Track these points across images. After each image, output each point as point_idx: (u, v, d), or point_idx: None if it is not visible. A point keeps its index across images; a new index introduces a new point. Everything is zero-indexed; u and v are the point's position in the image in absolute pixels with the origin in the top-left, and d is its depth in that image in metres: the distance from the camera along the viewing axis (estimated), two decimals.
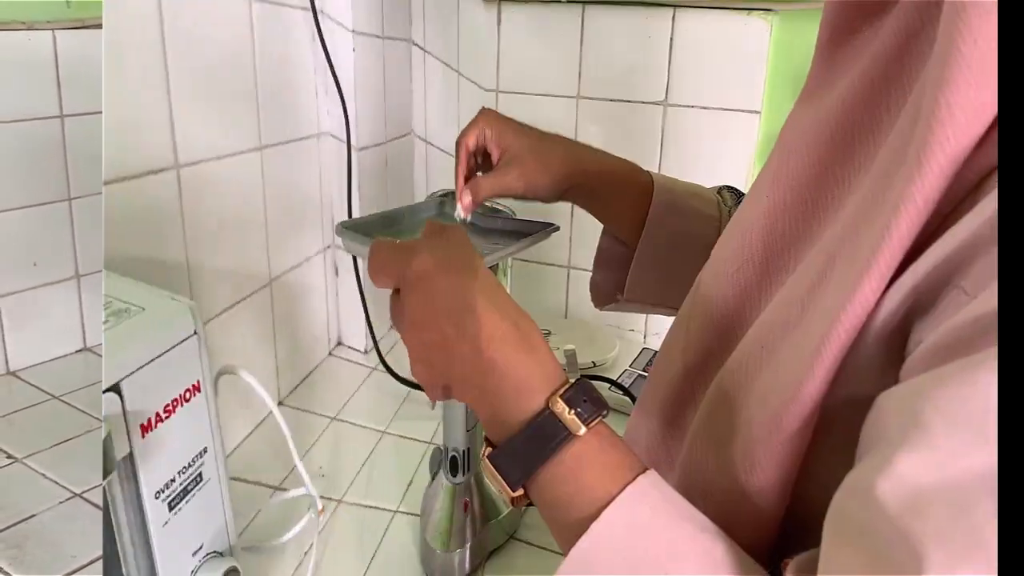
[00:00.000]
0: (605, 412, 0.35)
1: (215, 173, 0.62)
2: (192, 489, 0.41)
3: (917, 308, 0.30)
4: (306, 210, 0.80)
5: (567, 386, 0.36)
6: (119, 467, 0.35)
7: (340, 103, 0.78)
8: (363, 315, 0.87)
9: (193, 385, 0.40)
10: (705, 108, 1.01)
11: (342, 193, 0.81)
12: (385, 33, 0.88)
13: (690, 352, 0.43)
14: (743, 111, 1.01)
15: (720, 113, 1.01)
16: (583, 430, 0.34)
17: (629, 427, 0.49)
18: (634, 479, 0.34)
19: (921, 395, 0.26)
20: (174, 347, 0.38)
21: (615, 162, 0.66)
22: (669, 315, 0.67)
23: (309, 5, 0.73)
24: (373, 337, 0.88)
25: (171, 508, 0.39)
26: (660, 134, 1.03)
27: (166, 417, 0.38)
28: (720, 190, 0.68)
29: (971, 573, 0.23)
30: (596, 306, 0.71)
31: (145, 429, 0.37)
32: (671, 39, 0.98)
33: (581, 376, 0.36)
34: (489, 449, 0.37)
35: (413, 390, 0.86)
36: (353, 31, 0.79)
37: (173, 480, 0.39)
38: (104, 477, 0.33)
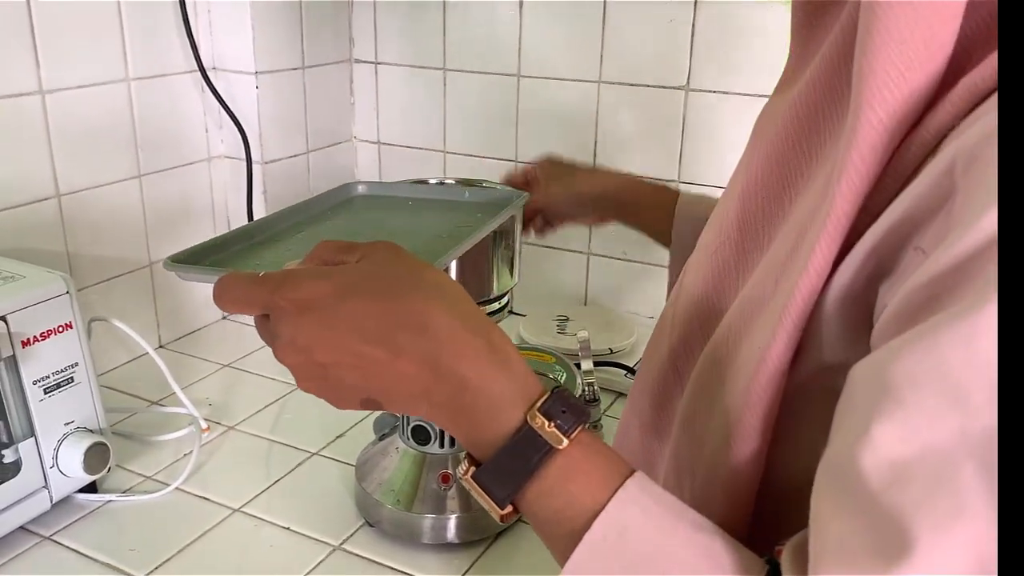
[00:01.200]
0: (586, 420, 0.39)
1: (93, 196, 1.05)
2: (64, 385, 0.79)
3: (879, 271, 0.35)
4: (195, 215, 1.21)
5: (544, 398, 0.39)
6: (4, 361, 0.75)
7: (238, 131, 1.15)
8: None
9: (65, 324, 0.79)
10: (726, 93, 1.15)
11: (242, 198, 1.21)
12: (307, 63, 1.24)
13: (675, 336, 0.50)
14: (764, 96, 1.12)
15: (741, 98, 1.14)
16: (565, 442, 0.38)
17: (622, 418, 0.56)
18: (622, 484, 0.38)
19: (889, 364, 0.29)
20: (48, 299, 0.77)
21: (643, 193, 0.88)
22: None
23: (197, 68, 1.13)
24: None
25: (46, 392, 0.78)
26: (682, 119, 1.18)
27: (42, 339, 0.77)
28: None
29: (958, 538, 0.27)
30: None
31: (25, 344, 0.76)
32: (692, 23, 1.13)
33: (557, 386, 0.41)
34: (472, 468, 0.41)
35: None
36: (256, 73, 1.15)
37: (47, 376, 0.78)
38: None
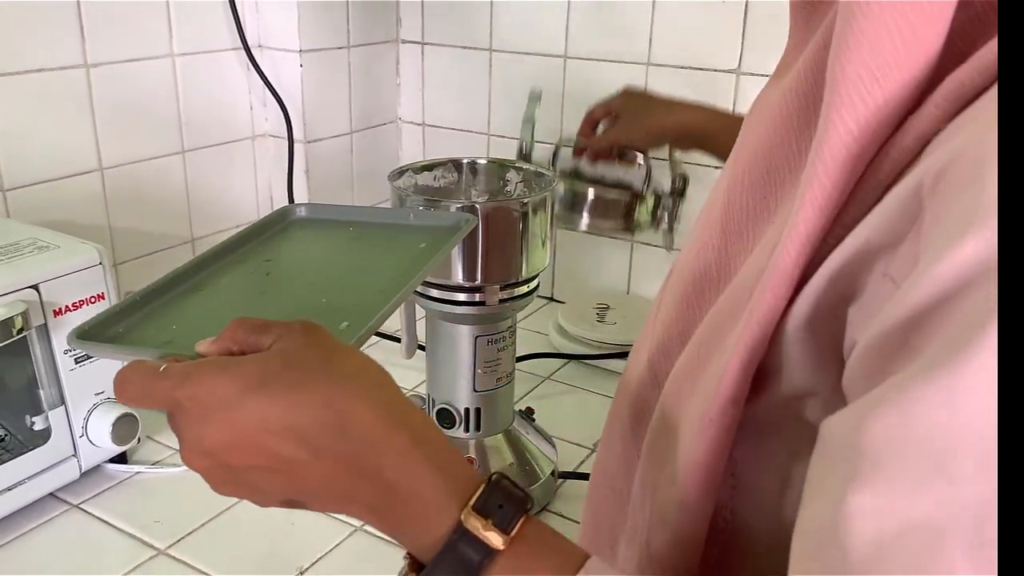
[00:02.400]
0: (527, 509, 0.37)
1: (136, 171, 1.06)
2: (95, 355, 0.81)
3: (847, 293, 0.32)
4: (238, 193, 1.21)
5: (479, 493, 0.37)
6: (36, 329, 0.76)
7: (280, 110, 1.15)
8: None
9: (98, 295, 0.80)
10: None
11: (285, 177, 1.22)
12: (353, 43, 1.23)
13: (655, 339, 0.46)
14: None
15: None
16: (505, 540, 0.35)
17: (606, 424, 0.52)
18: None
19: (863, 423, 0.27)
20: (82, 270, 0.78)
21: (721, 121, 0.89)
22: None
23: (241, 45, 1.13)
24: None
25: (76, 362, 0.79)
26: (732, 103, 1.14)
27: (74, 309, 0.78)
28: None
29: None
30: None
31: (57, 313, 0.77)
32: (745, 5, 1.09)
33: (492, 474, 0.37)
34: (412, 575, 0.37)
35: (382, 339, 1.14)
36: (300, 51, 1.14)
37: None
38: (20, 333, 0.74)
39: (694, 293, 0.43)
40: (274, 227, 0.67)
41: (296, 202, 0.69)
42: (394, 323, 1.16)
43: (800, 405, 0.35)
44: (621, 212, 0.93)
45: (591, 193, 0.93)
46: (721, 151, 0.89)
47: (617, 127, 0.92)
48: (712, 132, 0.88)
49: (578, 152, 0.95)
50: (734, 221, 0.41)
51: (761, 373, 0.35)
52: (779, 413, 0.36)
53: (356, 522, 0.80)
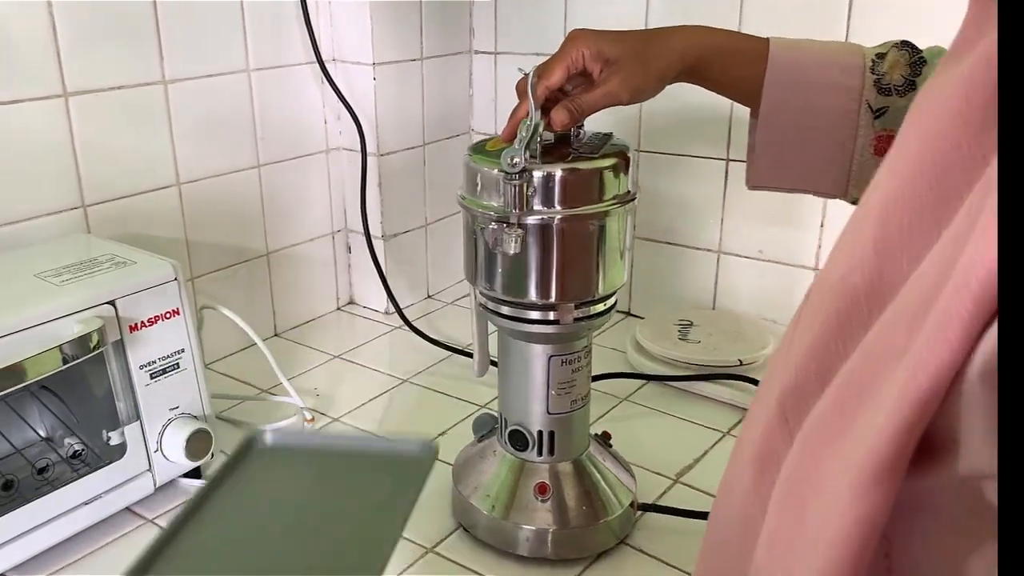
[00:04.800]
0: None
1: (213, 185, 1.09)
2: (170, 371, 0.82)
3: None
4: (313, 206, 1.24)
5: None
6: (112, 345, 0.78)
7: (354, 123, 1.17)
8: (379, 281, 1.26)
9: (172, 310, 0.81)
10: None
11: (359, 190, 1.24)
12: (426, 55, 1.23)
13: (788, 374, 0.40)
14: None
15: None
16: None
17: (726, 472, 0.46)
18: None
19: None
20: (157, 285, 0.80)
21: (726, 40, 0.75)
22: (819, 196, 0.78)
23: (315, 60, 1.16)
24: (394, 301, 1.24)
25: (152, 377, 0.81)
26: None
27: (149, 325, 0.80)
28: (888, 49, 0.71)
29: None
30: (747, 186, 0.80)
31: (133, 328, 0.79)
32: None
33: None
34: None
35: (454, 353, 1.14)
36: (374, 64, 1.15)
37: (154, 362, 0.80)
38: (97, 348, 0.76)
39: (837, 325, 0.37)
40: (236, 467, 0.55)
41: (261, 428, 0.59)
42: (467, 337, 1.16)
43: (982, 486, 0.29)
44: None
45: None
46: (708, 85, 0.76)
47: (608, 80, 0.71)
48: (728, 52, 0.73)
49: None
50: (891, 240, 0.35)
51: (930, 440, 0.29)
52: (953, 493, 0.31)
53: (428, 544, 0.80)
